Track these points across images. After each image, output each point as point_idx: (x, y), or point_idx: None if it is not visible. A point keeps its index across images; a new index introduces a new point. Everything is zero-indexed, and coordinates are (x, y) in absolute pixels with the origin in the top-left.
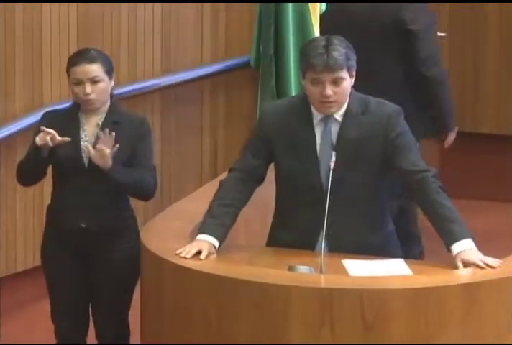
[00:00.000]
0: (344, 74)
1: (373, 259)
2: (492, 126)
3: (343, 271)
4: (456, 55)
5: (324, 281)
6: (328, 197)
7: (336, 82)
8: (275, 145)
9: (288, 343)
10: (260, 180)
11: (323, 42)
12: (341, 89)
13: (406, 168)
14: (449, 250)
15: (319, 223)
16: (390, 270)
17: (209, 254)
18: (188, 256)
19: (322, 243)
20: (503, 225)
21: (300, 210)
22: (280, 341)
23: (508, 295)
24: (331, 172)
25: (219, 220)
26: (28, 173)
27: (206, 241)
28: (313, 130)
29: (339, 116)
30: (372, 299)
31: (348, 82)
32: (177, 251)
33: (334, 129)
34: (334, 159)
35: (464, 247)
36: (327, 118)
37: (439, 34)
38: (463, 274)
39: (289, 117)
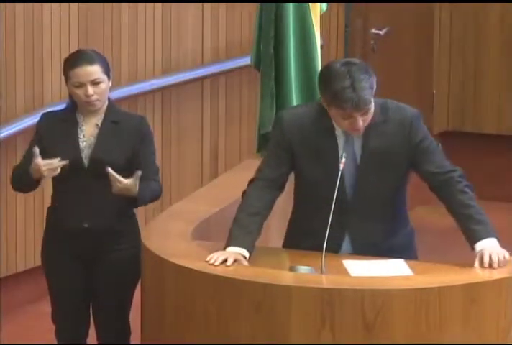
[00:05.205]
0: (372, 104)
1: (374, 259)
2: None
3: (344, 271)
4: (456, 55)
5: (325, 281)
6: (334, 198)
7: (365, 113)
8: (297, 154)
9: (289, 344)
10: (282, 188)
11: (349, 81)
12: (369, 116)
13: (432, 171)
14: (473, 249)
15: (343, 230)
16: (390, 270)
17: (236, 261)
18: (217, 263)
19: (324, 244)
20: (504, 225)
21: (323, 218)
22: (281, 341)
23: (508, 295)
24: (339, 172)
25: (247, 229)
26: (21, 185)
27: (235, 252)
28: (335, 140)
29: None
30: (372, 299)
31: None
32: (207, 259)
33: (357, 139)
34: (343, 160)
35: (487, 245)
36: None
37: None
38: (463, 274)
39: (310, 126)
